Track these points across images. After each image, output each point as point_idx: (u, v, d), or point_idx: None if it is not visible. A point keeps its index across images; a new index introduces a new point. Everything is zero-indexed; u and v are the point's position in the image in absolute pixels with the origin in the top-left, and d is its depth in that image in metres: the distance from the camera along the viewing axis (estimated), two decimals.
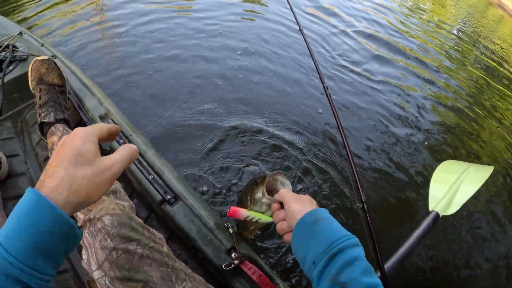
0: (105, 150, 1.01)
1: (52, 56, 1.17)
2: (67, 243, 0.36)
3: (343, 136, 1.12)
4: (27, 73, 1.05)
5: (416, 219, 1.67)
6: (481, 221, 1.80)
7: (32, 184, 0.99)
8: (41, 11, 2.72)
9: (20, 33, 1.30)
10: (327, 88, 1.28)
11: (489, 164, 1.35)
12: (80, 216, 0.70)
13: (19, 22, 2.50)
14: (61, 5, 2.90)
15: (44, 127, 0.98)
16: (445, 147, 2.30)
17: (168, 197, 0.89)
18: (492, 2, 10.37)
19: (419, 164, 2.03)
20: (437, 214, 1.09)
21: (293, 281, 1.27)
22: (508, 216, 1.87)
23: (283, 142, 1.84)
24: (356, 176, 1.03)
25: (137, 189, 1.00)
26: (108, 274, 0.61)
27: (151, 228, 0.72)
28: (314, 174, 1.70)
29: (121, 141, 1.00)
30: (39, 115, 0.97)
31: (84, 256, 0.65)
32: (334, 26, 3.60)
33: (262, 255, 1.30)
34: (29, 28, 2.37)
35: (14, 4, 2.79)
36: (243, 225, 0.84)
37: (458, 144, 2.37)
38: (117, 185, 0.84)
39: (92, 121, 1.05)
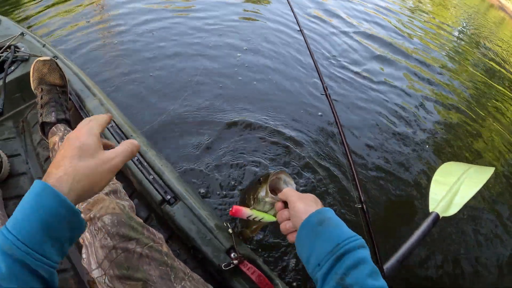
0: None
1: (53, 57, 1.18)
2: (72, 230, 0.38)
3: (343, 136, 1.12)
4: (28, 73, 1.05)
5: (416, 220, 1.67)
6: (481, 222, 1.80)
7: None
8: (41, 11, 2.74)
9: (22, 34, 1.31)
10: (327, 88, 1.29)
11: (490, 165, 1.35)
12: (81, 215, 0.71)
13: (19, 21, 2.51)
14: (61, 5, 2.92)
15: (45, 127, 0.98)
16: (446, 147, 2.29)
17: (168, 197, 0.90)
18: (493, 4, 10.37)
19: (420, 164, 2.02)
20: (437, 215, 1.09)
21: (293, 281, 1.27)
22: (509, 216, 1.87)
23: (283, 139, 1.85)
24: (355, 176, 1.03)
25: (138, 189, 1.00)
26: (108, 273, 0.62)
27: (150, 228, 0.72)
28: (314, 174, 1.70)
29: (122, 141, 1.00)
30: (41, 115, 0.98)
31: (84, 255, 0.66)
32: (335, 27, 3.60)
33: (261, 254, 1.30)
34: (29, 28, 2.38)
35: (15, 4, 2.81)
36: (245, 224, 0.83)
37: (459, 144, 2.37)
38: (118, 185, 0.85)
39: None
